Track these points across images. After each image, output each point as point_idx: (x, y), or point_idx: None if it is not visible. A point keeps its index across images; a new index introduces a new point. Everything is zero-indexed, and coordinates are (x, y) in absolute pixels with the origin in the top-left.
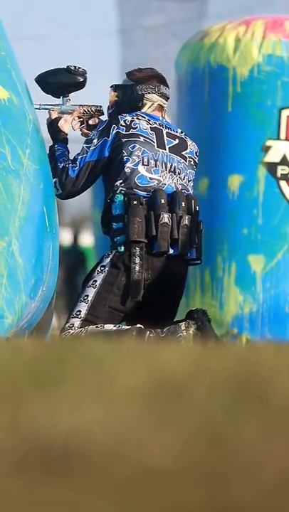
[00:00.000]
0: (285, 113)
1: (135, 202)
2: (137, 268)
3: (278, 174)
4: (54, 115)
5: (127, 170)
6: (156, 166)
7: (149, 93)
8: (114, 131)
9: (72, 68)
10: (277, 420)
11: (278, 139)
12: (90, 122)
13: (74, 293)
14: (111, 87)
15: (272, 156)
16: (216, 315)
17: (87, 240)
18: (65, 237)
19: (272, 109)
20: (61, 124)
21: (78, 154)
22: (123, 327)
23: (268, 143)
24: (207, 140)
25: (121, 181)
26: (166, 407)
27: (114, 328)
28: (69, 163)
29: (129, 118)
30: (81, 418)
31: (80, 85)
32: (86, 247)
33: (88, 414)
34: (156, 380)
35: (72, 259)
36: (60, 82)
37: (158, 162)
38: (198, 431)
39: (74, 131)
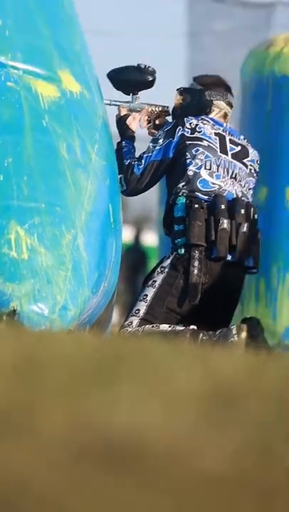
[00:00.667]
0: None
1: (196, 205)
2: (196, 271)
3: None
4: (123, 112)
5: (190, 173)
6: (218, 171)
7: (217, 100)
8: (180, 133)
9: (143, 67)
10: None
11: None
12: (157, 122)
13: (135, 291)
14: (177, 90)
15: None
16: (269, 325)
17: (149, 238)
18: (128, 235)
19: None
20: (129, 121)
21: (144, 152)
22: (178, 328)
23: None
24: (268, 150)
25: (183, 183)
26: (219, 414)
27: (169, 328)
28: (135, 161)
29: (194, 121)
30: (138, 417)
31: (150, 84)
32: (148, 246)
33: (145, 414)
34: (211, 386)
35: (134, 257)
36: (131, 79)
37: (220, 167)
38: (250, 440)
39: (142, 129)
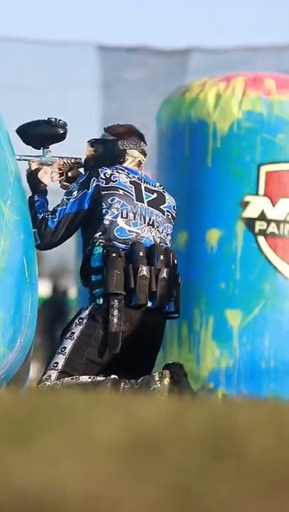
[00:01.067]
0: (263, 169)
1: (114, 254)
2: (115, 320)
3: (256, 230)
4: (34, 166)
5: (106, 222)
6: (134, 219)
7: (130, 149)
8: (94, 184)
9: (53, 120)
10: (252, 478)
11: (257, 194)
12: (69, 174)
13: (52, 345)
14: (88, 141)
15: (251, 212)
16: (193, 369)
17: (67, 290)
18: (45, 288)
19: (251, 165)
20: (41, 175)
21: (58, 206)
22: (98, 378)
23: (247, 198)
24: (187, 194)
25: (100, 233)
26: (141, 462)
27: (89, 379)
28: (48, 214)
29: (109, 171)
30: (56, 472)
31: (61, 137)
32: (66, 298)
33: (63, 468)
34: (132, 435)
35: (52, 310)
36: (41, 133)
37: (136, 215)
38: (173, 488)
39: (53, 182)
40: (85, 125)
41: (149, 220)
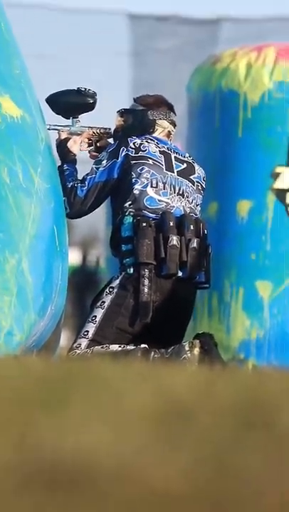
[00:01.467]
0: None
1: (144, 224)
2: (146, 290)
3: (287, 201)
4: (63, 136)
5: (136, 192)
6: (164, 189)
7: (160, 119)
8: (124, 153)
9: (83, 90)
10: (283, 448)
11: (287, 165)
12: (99, 144)
13: (83, 313)
14: (118, 111)
15: (282, 183)
16: (223, 340)
17: (97, 259)
18: (75, 257)
19: (282, 136)
20: (70, 144)
21: (87, 174)
22: (128, 347)
23: (278, 169)
24: (217, 165)
25: (130, 203)
26: (171, 431)
27: (120, 348)
28: (78, 183)
29: (138, 141)
30: (87, 439)
31: (90, 107)
32: (96, 266)
33: (94, 435)
34: (162, 404)
35: (82, 279)
36: (71, 103)
37: (166, 185)
38: (203, 457)
39: (82, 152)
40: (115, 94)
41: (179, 189)
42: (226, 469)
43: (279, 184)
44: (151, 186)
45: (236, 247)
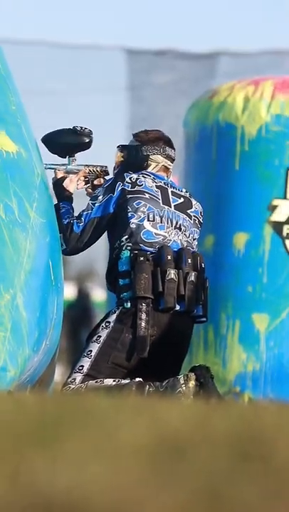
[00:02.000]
0: None
1: (142, 258)
2: (143, 324)
3: (284, 233)
4: (60, 175)
5: (133, 226)
6: (161, 222)
7: (154, 154)
8: (120, 188)
9: (79, 129)
10: (279, 481)
11: (285, 198)
12: (96, 182)
13: (77, 348)
14: (117, 147)
15: (279, 215)
16: (219, 373)
17: (94, 293)
18: (71, 291)
19: (280, 169)
20: (66, 184)
21: (83, 210)
22: (122, 381)
23: (275, 202)
24: (214, 197)
25: (126, 237)
26: (167, 464)
27: (114, 382)
28: (74, 219)
29: (134, 176)
30: (81, 475)
31: (86, 146)
32: (93, 301)
33: (89, 471)
34: (157, 437)
35: (77, 313)
36: (66, 142)
37: (163, 218)
38: (199, 491)
39: (78, 190)
40: (112, 129)
41: (176, 223)
42: (222, 502)
43: (276, 217)
44: (148, 220)
45: (233, 280)
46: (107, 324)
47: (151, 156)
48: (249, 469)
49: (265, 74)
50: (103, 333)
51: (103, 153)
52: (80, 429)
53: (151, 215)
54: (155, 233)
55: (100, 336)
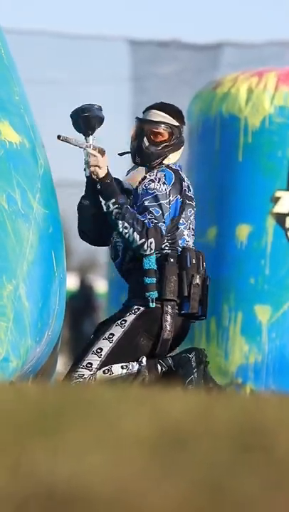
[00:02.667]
0: None
1: (172, 260)
2: (168, 327)
3: (287, 225)
4: (102, 173)
5: (178, 231)
6: (193, 231)
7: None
8: (183, 190)
9: (97, 106)
10: (281, 472)
11: (288, 190)
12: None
13: (80, 338)
14: (136, 118)
15: (281, 207)
16: (221, 364)
17: (94, 284)
18: (73, 282)
19: (283, 160)
20: (101, 172)
21: (156, 210)
22: (133, 368)
23: (277, 194)
24: (217, 189)
25: (168, 239)
26: (169, 455)
27: (124, 370)
28: (157, 223)
29: (183, 175)
30: (83, 465)
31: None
32: (93, 291)
33: (90, 461)
34: (159, 429)
35: (79, 304)
36: (97, 116)
37: (193, 225)
38: (200, 482)
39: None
40: (115, 120)
41: (194, 227)
42: (223, 493)
43: (279, 208)
44: (188, 229)
45: (235, 272)
46: (122, 323)
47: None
48: (250, 460)
49: (268, 65)
50: (117, 332)
51: (104, 142)
52: (82, 420)
53: (192, 225)
54: (186, 240)
55: (112, 334)
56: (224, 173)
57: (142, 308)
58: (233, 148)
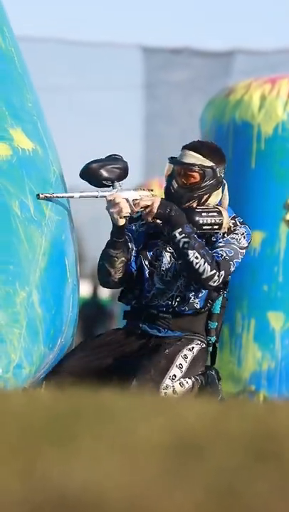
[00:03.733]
0: None
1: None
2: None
3: None
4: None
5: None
6: None
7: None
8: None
9: (118, 156)
10: None
11: None
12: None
13: None
14: (169, 159)
15: None
16: (234, 371)
17: (107, 291)
18: (86, 289)
19: None
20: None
21: (229, 251)
22: (185, 383)
23: None
24: (230, 196)
25: (224, 285)
26: (182, 462)
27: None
28: (231, 263)
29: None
30: (97, 471)
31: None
32: (106, 299)
33: (104, 467)
34: (173, 436)
35: (92, 311)
36: (118, 167)
37: None
38: (214, 489)
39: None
40: (127, 126)
41: None
42: (236, 499)
43: None
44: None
45: (248, 279)
46: (191, 348)
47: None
48: (264, 467)
49: (281, 72)
50: (188, 354)
51: (117, 149)
52: (96, 425)
53: None
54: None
55: (186, 356)
56: (237, 180)
57: (204, 345)
58: (246, 155)
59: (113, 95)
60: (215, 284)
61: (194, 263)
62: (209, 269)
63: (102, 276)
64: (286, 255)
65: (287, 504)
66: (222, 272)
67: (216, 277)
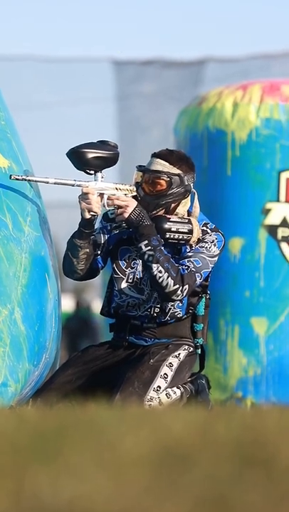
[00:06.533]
0: (284, 175)
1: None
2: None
3: (279, 236)
4: (91, 192)
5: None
6: None
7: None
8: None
9: (113, 144)
10: (283, 484)
11: (278, 201)
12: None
13: None
14: (137, 167)
15: (273, 219)
16: (220, 379)
17: (90, 305)
18: (68, 304)
19: (271, 172)
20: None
21: (197, 262)
22: (172, 393)
23: (268, 205)
24: (207, 204)
25: (204, 287)
26: (171, 472)
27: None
28: (195, 272)
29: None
30: (85, 487)
31: (116, 160)
32: (89, 312)
33: (92, 482)
34: (160, 447)
35: (76, 325)
36: (100, 156)
37: None
38: (203, 498)
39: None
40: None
41: None
42: (226, 507)
43: (270, 220)
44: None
45: (230, 285)
46: (177, 355)
47: (193, 188)
48: (252, 474)
49: (253, 78)
50: (174, 362)
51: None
52: (82, 441)
53: None
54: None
55: (171, 364)
56: (214, 187)
57: (191, 349)
58: (222, 162)
59: (86, 109)
60: (178, 298)
61: (158, 277)
62: (172, 284)
63: (65, 266)
64: (266, 260)
65: (277, 509)
66: (185, 287)
67: (178, 292)
